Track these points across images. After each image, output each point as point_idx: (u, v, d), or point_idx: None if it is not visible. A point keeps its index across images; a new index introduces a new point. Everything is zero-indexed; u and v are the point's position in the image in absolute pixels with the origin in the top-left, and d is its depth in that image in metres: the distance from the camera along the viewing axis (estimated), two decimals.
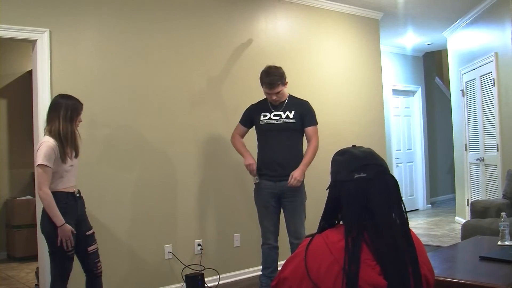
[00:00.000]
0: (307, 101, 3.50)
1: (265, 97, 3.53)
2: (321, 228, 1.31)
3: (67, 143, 2.77)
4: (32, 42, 3.48)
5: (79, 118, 2.89)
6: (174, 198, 4.06)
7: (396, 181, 1.29)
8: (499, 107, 5.15)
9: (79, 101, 2.90)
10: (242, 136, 3.60)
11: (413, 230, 1.28)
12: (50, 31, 3.47)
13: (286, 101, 3.47)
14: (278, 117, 3.42)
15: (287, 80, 3.44)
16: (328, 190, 1.36)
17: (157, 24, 4.03)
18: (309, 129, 3.42)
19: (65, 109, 2.79)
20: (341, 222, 1.32)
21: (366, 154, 1.31)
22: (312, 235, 1.29)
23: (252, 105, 3.60)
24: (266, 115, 3.46)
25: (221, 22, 4.42)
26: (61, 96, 2.90)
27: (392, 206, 1.25)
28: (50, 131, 2.77)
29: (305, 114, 3.41)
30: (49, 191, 2.69)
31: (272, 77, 3.34)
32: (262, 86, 3.43)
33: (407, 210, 1.30)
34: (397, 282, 1.18)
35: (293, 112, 3.40)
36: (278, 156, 3.33)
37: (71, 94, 2.93)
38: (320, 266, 1.19)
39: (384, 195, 1.25)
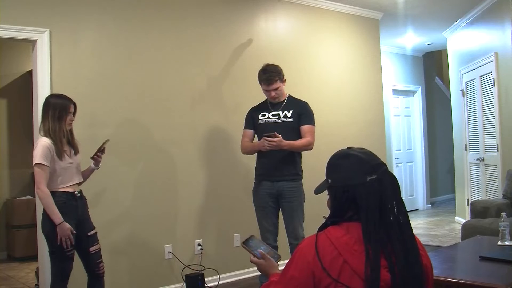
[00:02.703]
0: (306, 102, 3.50)
1: (265, 98, 3.53)
2: (324, 226, 1.34)
3: (60, 140, 2.77)
4: (32, 42, 3.48)
5: (70, 117, 2.86)
6: (174, 198, 4.06)
7: (395, 177, 1.35)
8: (499, 107, 5.16)
9: (70, 100, 2.87)
10: (251, 140, 3.57)
11: (413, 230, 1.32)
12: (50, 31, 3.47)
13: (285, 100, 3.47)
14: (276, 117, 3.42)
15: (285, 78, 3.45)
16: (331, 193, 1.38)
17: (157, 24, 4.03)
18: (304, 127, 3.39)
19: (53, 109, 2.79)
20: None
21: (367, 154, 1.35)
22: (316, 233, 1.31)
23: (251, 108, 3.60)
24: (264, 115, 3.47)
25: (221, 22, 4.42)
26: (51, 96, 2.92)
27: (398, 202, 1.30)
28: (44, 131, 2.79)
29: (302, 113, 3.41)
30: (47, 189, 2.69)
31: (269, 73, 3.36)
32: (261, 84, 3.43)
33: (407, 210, 1.33)
34: (402, 274, 1.21)
35: (291, 111, 3.40)
36: (276, 156, 3.33)
37: (63, 94, 2.92)
38: (323, 259, 1.22)
39: (392, 191, 1.30)
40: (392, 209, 1.27)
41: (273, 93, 3.39)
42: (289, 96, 3.50)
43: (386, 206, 1.27)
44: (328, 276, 1.20)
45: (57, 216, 2.69)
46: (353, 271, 1.20)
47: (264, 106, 3.53)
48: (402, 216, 1.28)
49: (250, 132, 3.54)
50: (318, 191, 1.42)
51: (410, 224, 1.30)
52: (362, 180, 1.29)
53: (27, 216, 5.18)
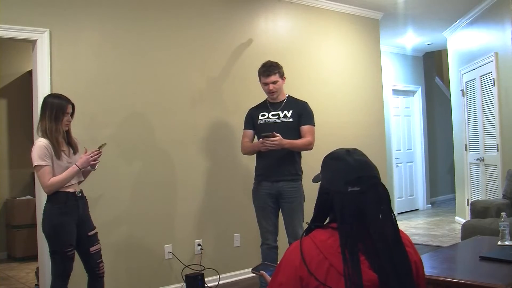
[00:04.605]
0: (305, 102, 3.50)
1: (265, 98, 3.53)
2: (308, 230, 1.34)
3: (57, 140, 2.76)
4: (32, 42, 3.48)
5: (68, 118, 2.84)
6: (174, 198, 4.06)
7: (387, 191, 1.33)
8: (499, 107, 5.16)
9: (68, 101, 2.85)
10: (251, 141, 3.56)
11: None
12: (50, 31, 3.47)
13: (285, 100, 3.47)
14: (276, 117, 3.42)
15: (285, 76, 3.47)
16: (319, 189, 1.38)
17: (157, 24, 4.03)
18: (305, 127, 3.40)
19: (51, 109, 2.78)
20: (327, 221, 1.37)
21: (361, 164, 1.32)
22: (300, 237, 1.32)
23: (251, 108, 3.60)
24: (264, 115, 3.47)
25: (221, 22, 4.42)
26: (49, 96, 2.91)
27: (384, 215, 1.28)
28: (41, 131, 2.78)
29: (302, 113, 3.41)
30: (51, 180, 2.69)
31: (269, 66, 3.41)
32: (260, 79, 3.45)
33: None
34: (388, 273, 1.21)
35: (291, 111, 3.41)
36: (276, 156, 3.33)
37: (62, 94, 2.91)
38: (310, 264, 1.23)
39: (376, 205, 1.28)
40: (374, 221, 1.26)
41: (271, 86, 3.39)
42: (289, 96, 3.51)
43: (366, 218, 1.25)
44: (315, 280, 1.21)
45: (74, 170, 2.77)
46: (339, 273, 1.20)
47: (263, 106, 3.52)
48: (390, 226, 1.27)
49: (250, 132, 3.54)
50: (314, 180, 1.44)
51: (398, 233, 1.29)
52: (343, 189, 1.28)
53: (27, 216, 5.18)
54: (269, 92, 3.43)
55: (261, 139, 3.31)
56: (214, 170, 4.30)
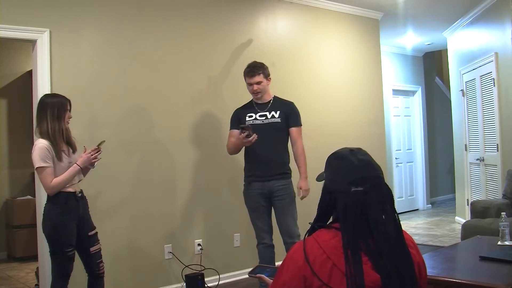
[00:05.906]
0: (292, 102, 3.53)
1: (250, 99, 3.55)
2: (311, 230, 1.33)
3: (57, 141, 2.76)
4: (32, 42, 3.48)
5: (69, 115, 2.86)
6: (174, 198, 4.06)
7: (391, 192, 1.32)
8: (499, 107, 5.16)
9: (65, 98, 2.87)
10: None
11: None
12: (50, 31, 3.47)
13: (271, 101, 3.49)
14: (263, 118, 3.44)
15: (270, 77, 3.48)
16: (321, 188, 1.38)
17: (157, 24, 4.03)
18: (294, 130, 3.44)
19: (52, 108, 2.78)
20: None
21: (364, 164, 1.31)
22: (303, 238, 1.32)
23: (237, 108, 3.61)
24: (251, 116, 3.47)
25: (221, 22, 4.42)
26: (46, 96, 2.91)
27: (387, 215, 1.28)
28: (40, 133, 2.77)
29: (289, 114, 3.44)
30: (53, 182, 2.69)
31: (253, 67, 3.43)
32: (245, 79, 3.48)
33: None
34: (390, 274, 1.21)
35: (278, 112, 3.43)
36: (265, 156, 3.34)
37: (57, 93, 2.92)
38: (313, 263, 1.22)
39: (380, 206, 1.27)
40: (377, 221, 1.25)
41: (255, 87, 3.41)
42: (275, 97, 3.53)
43: (369, 218, 1.25)
44: (318, 279, 1.20)
45: (75, 169, 2.77)
46: (342, 273, 1.20)
47: (250, 107, 3.54)
48: (393, 226, 1.27)
49: (236, 132, 3.52)
50: (317, 179, 1.42)
51: (401, 233, 1.29)
52: (345, 189, 1.27)
53: (27, 216, 5.18)
54: (253, 93, 3.45)
55: (241, 135, 3.25)
56: (215, 170, 4.30)
